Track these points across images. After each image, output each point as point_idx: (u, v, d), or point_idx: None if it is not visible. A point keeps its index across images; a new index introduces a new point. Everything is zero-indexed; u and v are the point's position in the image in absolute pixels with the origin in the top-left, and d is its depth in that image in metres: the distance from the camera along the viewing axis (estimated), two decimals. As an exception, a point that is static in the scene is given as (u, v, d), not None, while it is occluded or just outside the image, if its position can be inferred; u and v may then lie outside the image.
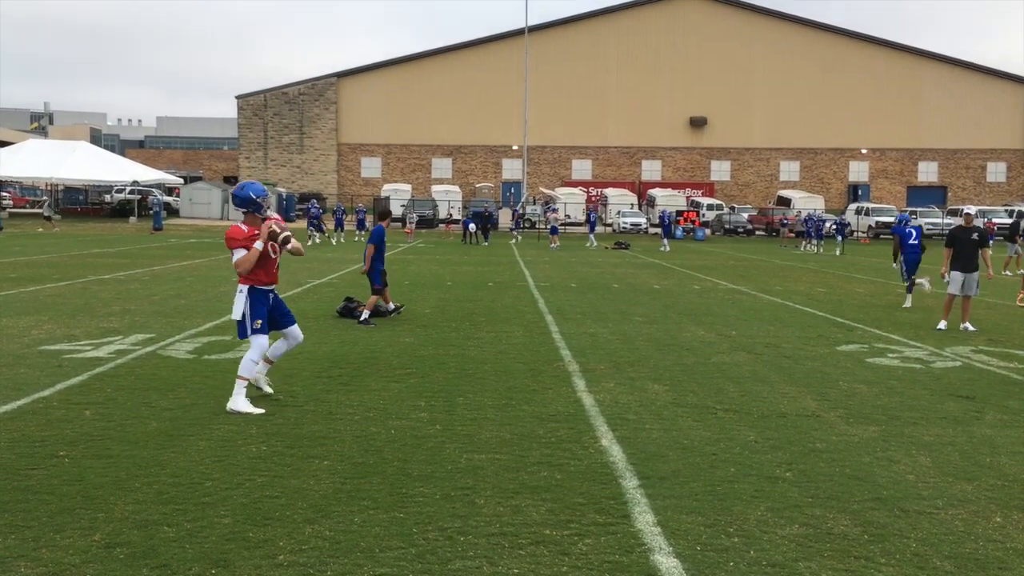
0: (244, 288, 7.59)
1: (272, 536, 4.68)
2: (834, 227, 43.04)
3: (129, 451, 6.18)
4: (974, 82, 73.20)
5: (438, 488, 5.51)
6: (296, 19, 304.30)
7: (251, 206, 7.64)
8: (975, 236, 13.60)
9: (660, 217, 43.88)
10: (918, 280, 17.94)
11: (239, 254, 7.49)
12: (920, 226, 18.66)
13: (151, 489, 5.38)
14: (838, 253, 37.75)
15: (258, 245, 7.48)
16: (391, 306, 13.73)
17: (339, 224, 41.57)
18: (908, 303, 16.96)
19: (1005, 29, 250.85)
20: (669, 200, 60.95)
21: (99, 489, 5.36)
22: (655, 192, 65.06)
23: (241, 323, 7.61)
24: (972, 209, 14.17)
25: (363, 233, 43.06)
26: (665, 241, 40.65)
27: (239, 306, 7.58)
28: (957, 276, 13.60)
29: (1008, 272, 26.05)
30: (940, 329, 13.50)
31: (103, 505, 5.08)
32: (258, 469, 5.82)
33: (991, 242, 43.23)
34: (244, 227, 7.59)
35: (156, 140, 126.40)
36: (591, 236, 42.66)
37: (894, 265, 22.97)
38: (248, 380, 7.57)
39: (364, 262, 13.35)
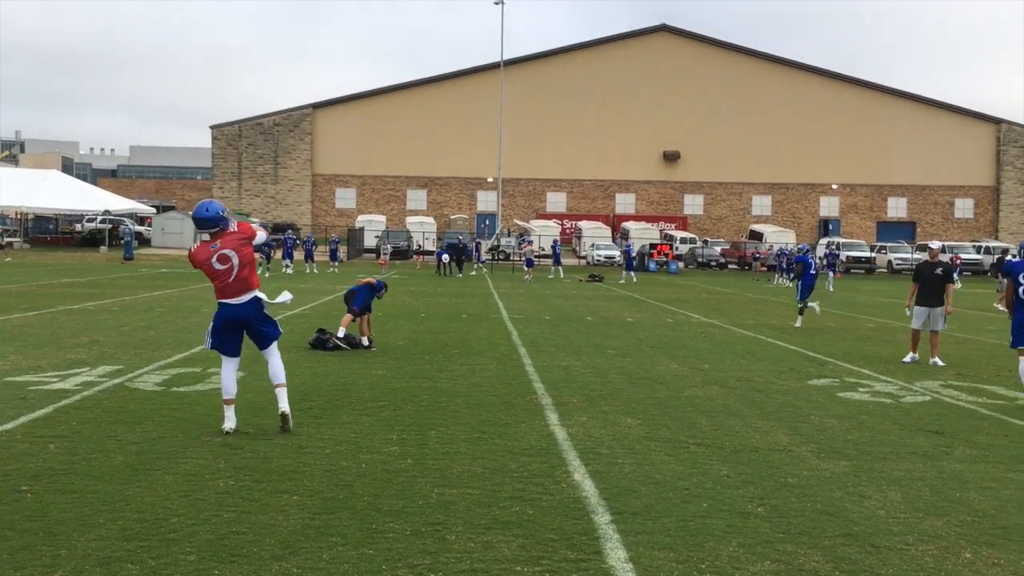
0: (259, 292, 8.01)
1: (238, 573, 4.59)
2: (824, 261, 40.27)
3: (93, 486, 6.07)
4: (943, 120, 74.64)
5: (408, 524, 5.45)
6: (272, 50, 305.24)
7: (222, 223, 7.74)
8: (939, 271, 13.76)
9: (624, 250, 44.55)
10: (810, 304, 20.32)
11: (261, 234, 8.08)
12: (814, 261, 21.78)
13: (115, 525, 5.27)
14: (830, 289, 35.63)
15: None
16: (365, 341, 13.69)
17: (309, 255, 41.53)
18: (799, 323, 19.27)
19: (975, 67, 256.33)
20: (643, 233, 61.40)
21: (62, 525, 5.25)
22: (629, 225, 65.49)
23: (275, 323, 8.08)
24: (937, 244, 14.42)
25: (336, 264, 43.16)
26: (628, 273, 41.19)
27: (266, 308, 8.03)
28: (920, 311, 13.80)
29: (1000, 306, 26.33)
30: (907, 362, 13.65)
31: (65, 542, 4.98)
32: (225, 504, 5.73)
33: (957, 276, 43.93)
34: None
35: (129, 169, 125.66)
36: (556, 268, 43.26)
37: (789, 283, 31.55)
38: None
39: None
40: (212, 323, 7.90)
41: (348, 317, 13.74)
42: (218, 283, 7.73)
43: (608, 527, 5.48)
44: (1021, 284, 10.31)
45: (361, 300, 13.84)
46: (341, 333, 13.47)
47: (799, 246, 32.36)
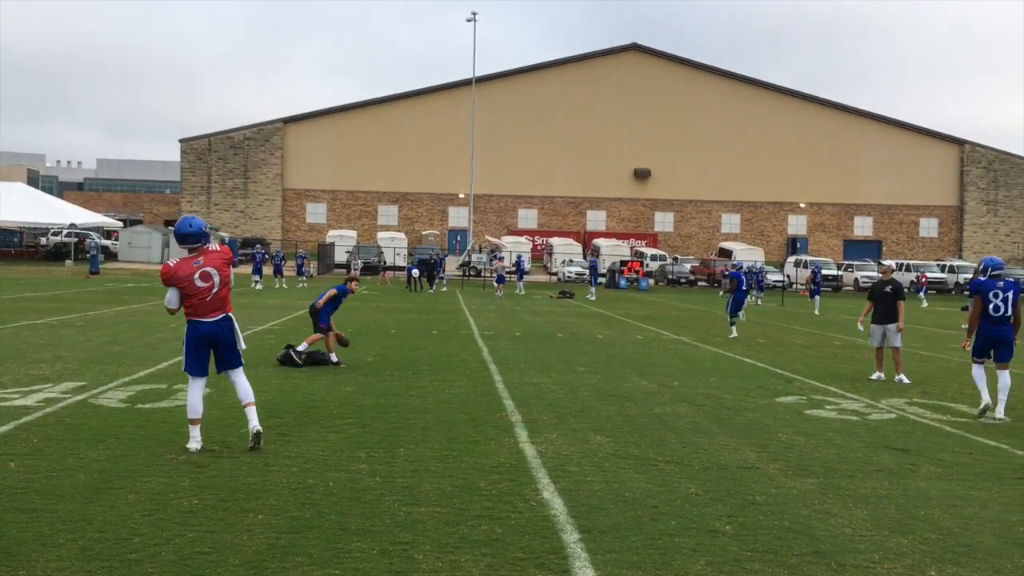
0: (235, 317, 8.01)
1: (201, 594, 4.52)
2: (812, 280, 36.94)
3: (54, 505, 5.96)
4: (909, 141, 75.83)
5: (376, 543, 5.40)
6: (243, 65, 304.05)
7: (204, 238, 7.79)
8: (888, 289, 14.06)
9: (590, 265, 44.96)
10: (741, 315, 23.24)
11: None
12: (744, 277, 24.30)
13: (76, 545, 5.18)
14: (816, 312, 33.61)
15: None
16: (333, 357, 13.59)
17: (278, 270, 41.31)
18: (734, 334, 21.25)
19: (940, 89, 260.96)
20: (614, 250, 61.66)
21: (20, 545, 5.15)
22: (600, 242, 65.75)
23: (239, 352, 7.96)
24: (889, 263, 14.95)
25: (305, 279, 42.82)
26: (592, 289, 41.36)
27: (240, 332, 7.99)
28: (876, 329, 14.09)
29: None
30: (873, 380, 13.83)
31: (24, 562, 4.88)
32: (189, 524, 5.65)
33: (923, 295, 44.28)
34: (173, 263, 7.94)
35: (96, 182, 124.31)
36: (519, 283, 43.36)
37: (721, 294, 35.75)
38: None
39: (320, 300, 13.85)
40: (185, 347, 7.83)
41: (316, 336, 13.62)
42: (195, 300, 7.67)
43: (576, 546, 5.47)
44: (991, 302, 10.59)
45: (326, 316, 13.74)
46: (302, 347, 13.41)
47: (734, 263, 35.39)
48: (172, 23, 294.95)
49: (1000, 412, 10.56)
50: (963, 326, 11.63)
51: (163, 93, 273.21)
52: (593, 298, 39.53)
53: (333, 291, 14.02)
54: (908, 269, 57.44)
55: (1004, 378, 10.69)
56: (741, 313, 23.01)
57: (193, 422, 7.72)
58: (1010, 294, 10.61)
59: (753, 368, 15.16)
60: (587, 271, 58.20)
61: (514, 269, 45.99)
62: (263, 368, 12.90)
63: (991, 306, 10.62)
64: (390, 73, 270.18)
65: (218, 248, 7.89)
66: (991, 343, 10.71)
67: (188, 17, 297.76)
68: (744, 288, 23.01)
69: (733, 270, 27.73)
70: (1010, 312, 10.59)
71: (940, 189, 76.01)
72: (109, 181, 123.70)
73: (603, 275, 57.52)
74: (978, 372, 10.86)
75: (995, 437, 9.50)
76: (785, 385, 13.11)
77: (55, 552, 5.06)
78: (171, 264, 7.72)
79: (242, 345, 7.94)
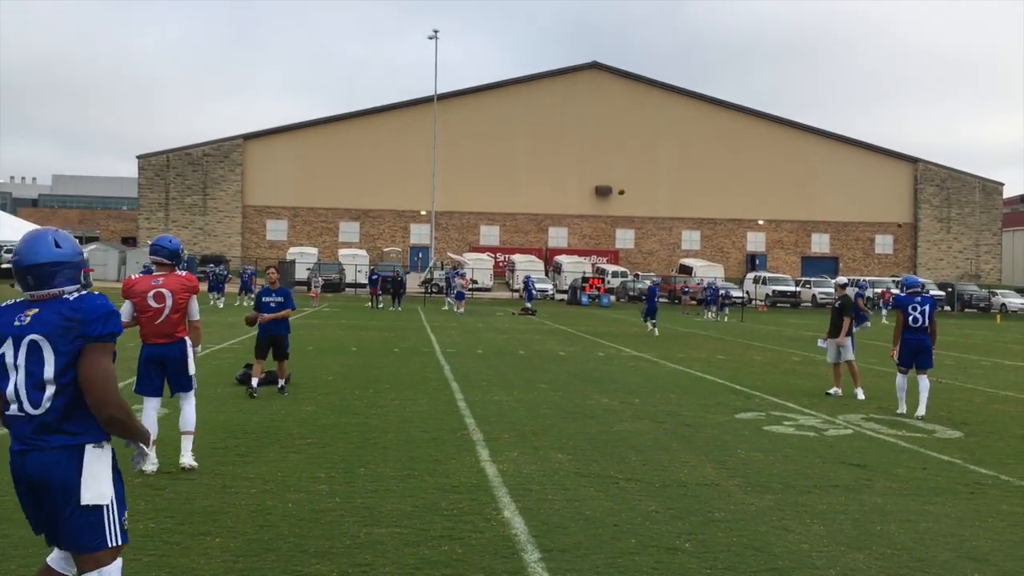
0: (188, 340, 7.85)
1: (157, 620, 4.45)
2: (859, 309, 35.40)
3: (4, 529, 5.84)
4: (863, 159, 77.22)
5: (335, 565, 5.36)
6: (202, 79, 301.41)
7: (177, 259, 7.88)
8: (837, 304, 14.56)
9: (524, 281, 45.15)
10: (653, 322, 28.86)
11: (196, 304, 7.87)
12: (657, 289, 31.03)
13: (27, 572, 5.08)
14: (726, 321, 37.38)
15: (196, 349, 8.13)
16: (255, 382, 12.20)
17: (245, 287, 40.71)
18: (656, 332, 27.57)
19: (893, 108, 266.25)
20: (575, 267, 61.87)
21: (-31, 572, 5.04)
22: (561, 259, 65.98)
23: (192, 376, 7.85)
24: (842, 280, 15.51)
25: (247, 296, 40.40)
26: (528, 304, 41.76)
27: (192, 358, 7.85)
28: (830, 343, 14.39)
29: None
30: (830, 394, 14.07)
31: (-27, 590, 4.77)
32: (144, 548, 5.56)
33: (884, 311, 44.88)
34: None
35: (51, 199, 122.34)
36: (452, 302, 40.94)
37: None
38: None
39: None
40: (137, 368, 7.86)
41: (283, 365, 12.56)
42: (144, 318, 7.67)
43: (537, 565, 5.47)
44: (910, 314, 12.21)
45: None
46: (281, 382, 12.41)
47: (653, 279, 41.60)
48: (127, 39, 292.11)
49: (922, 411, 11.92)
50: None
51: (119, 109, 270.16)
52: (528, 307, 39.80)
53: (289, 311, 12.61)
54: (845, 286, 58.26)
55: (923, 382, 12.16)
56: (654, 320, 29.01)
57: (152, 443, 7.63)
58: (927, 307, 12.22)
59: (713, 384, 15.29)
60: (550, 289, 58.53)
61: (445, 287, 45.63)
62: (222, 387, 12.76)
63: (910, 318, 12.20)
64: (351, 91, 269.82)
65: (183, 274, 7.87)
66: (914, 353, 12.19)
67: (144, 33, 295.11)
68: (655, 299, 29.47)
69: (651, 284, 34.88)
70: (927, 323, 12.19)
71: (895, 206, 77.44)
72: (64, 197, 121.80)
73: (564, 291, 57.77)
74: (901, 381, 12.41)
75: (949, 452, 9.67)
76: (744, 401, 13.23)
77: (6, 579, 4.96)
78: (132, 277, 7.83)
79: (192, 370, 7.86)
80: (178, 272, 7.86)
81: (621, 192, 74.02)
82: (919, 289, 12.54)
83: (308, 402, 11.75)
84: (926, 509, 7.21)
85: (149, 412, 7.73)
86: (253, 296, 39.88)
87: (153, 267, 8.00)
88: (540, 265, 65.64)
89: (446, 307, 41.03)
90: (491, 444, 9.24)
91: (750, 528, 6.46)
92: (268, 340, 12.31)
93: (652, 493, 7.40)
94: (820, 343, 14.98)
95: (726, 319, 40.76)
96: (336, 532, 6.02)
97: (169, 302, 7.64)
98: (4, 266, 60.03)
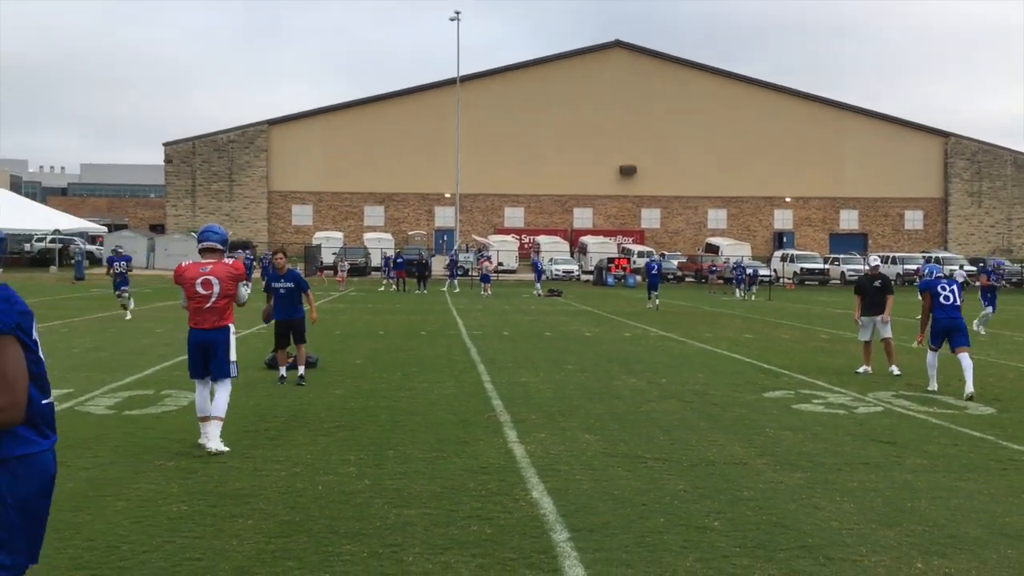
0: (232, 327, 7.94)
1: (191, 601, 4.52)
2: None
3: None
4: (893, 133, 76.18)
5: (366, 546, 5.41)
6: (227, 66, 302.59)
7: (227, 246, 8.12)
8: (877, 283, 14.25)
9: (533, 263, 45.40)
10: (654, 295, 31.13)
11: (244, 289, 7.99)
12: (656, 266, 33.21)
13: (64, 555, 5.16)
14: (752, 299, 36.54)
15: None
16: (283, 370, 12.21)
17: (266, 272, 40.98)
18: (653, 305, 30.08)
19: (923, 82, 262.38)
20: (601, 247, 61.69)
21: (8, 555, 5.12)
22: (587, 239, 65.80)
23: (228, 363, 7.90)
24: (876, 260, 15.08)
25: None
26: (538, 285, 41.73)
27: (234, 346, 7.93)
28: (867, 321, 14.19)
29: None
30: (860, 373, 13.91)
31: (12, 572, 4.86)
32: (178, 530, 5.64)
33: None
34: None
35: (80, 187, 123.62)
36: (454, 284, 43.32)
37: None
38: (223, 419, 7.94)
39: (312, 311, 12.43)
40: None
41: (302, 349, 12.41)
42: (193, 305, 7.88)
43: (566, 544, 5.49)
44: (940, 293, 12.06)
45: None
46: (301, 370, 12.09)
47: (652, 256, 44.11)
48: (152, 28, 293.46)
49: (969, 388, 11.46)
50: (918, 317, 12.82)
51: (145, 97, 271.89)
52: (487, 295, 38.99)
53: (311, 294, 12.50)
54: (894, 262, 57.72)
55: (964, 360, 11.71)
56: (655, 295, 31.27)
57: (202, 420, 7.90)
58: (955, 287, 12.20)
59: (740, 363, 15.22)
60: (576, 270, 58.40)
61: (446, 267, 46.22)
62: (251, 372, 12.87)
63: (942, 296, 12.02)
64: (374, 74, 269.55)
65: (230, 262, 8.02)
66: (945, 331, 11.94)
67: (168, 22, 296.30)
68: (655, 274, 32.02)
69: (649, 261, 36.72)
70: (959, 301, 12.06)
71: (925, 182, 76.43)
72: (93, 186, 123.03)
73: (590, 272, 57.64)
74: (931, 359, 12.28)
75: (981, 428, 9.57)
76: (773, 380, 13.17)
77: (44, 562, 5.02)
78: (183, 264, 8.01)
79: (233, 357, 7.97)
80: (225, 260, 8.00)
81: (634, 171, 73.58)
82: (942, 275, 12.75)
83: (336, 386, 11.83)
84: (958, 486, 7.14)
85: (200, 392, 7.99)
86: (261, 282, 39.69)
87: (121, 249, 8.23)
88: (565, 246, 65.53)
89: (444, 287, 41.11)
90: (518, 425, 9.27)
91: (779, 506, 6.44)
92: (285, 327, 12.09)
93: (680, 472, 7.39)
94: (859, 322, 14.43)
95: (753, 297, 40.56)
96: (366, 513, 6.07)
97: (216, 289, 7.82)
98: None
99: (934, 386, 12.21)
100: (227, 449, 7.80)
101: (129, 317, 22.13)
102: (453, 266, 46.20)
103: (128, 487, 6.64)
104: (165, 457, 7.57)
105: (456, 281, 44.39)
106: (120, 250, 26.85)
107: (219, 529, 5.68)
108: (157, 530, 5.63)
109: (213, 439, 7.81)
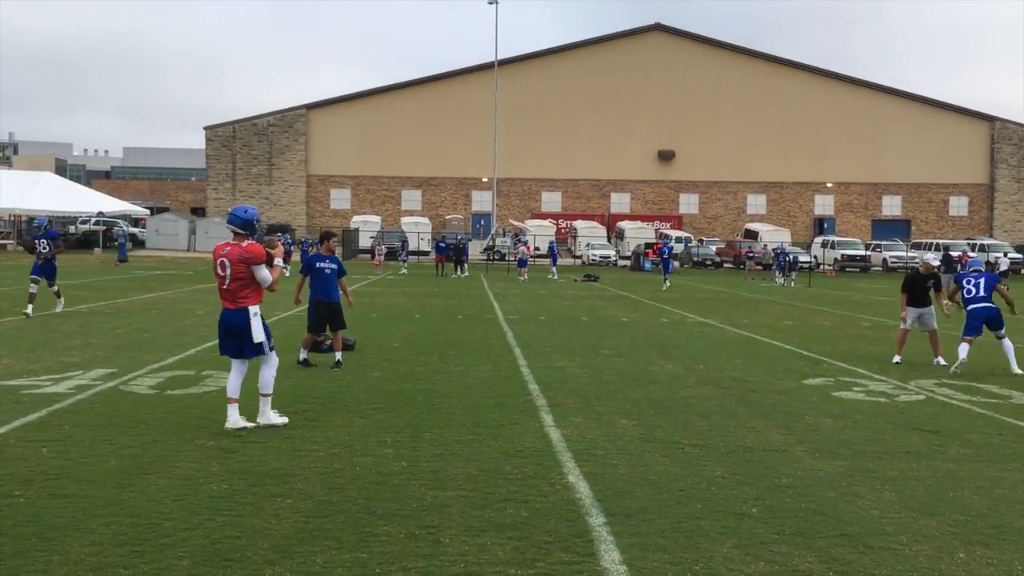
0: (258, 309, 7.92)
1: (232, 578, 4.58)
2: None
3: (86, 490, 6.05)
4: (936, 118, 74.73)
5: (403, 527, 5.44)
6: (266, 50, 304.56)
7: (250, 229, 7.99)
8: (930, 283, 14.00)
9: (549, 246, 45.04)
10: (667, 278, 35.18)
11: (264, 272, 7.89)
12: (668, 250, 37.14)
13: (108, 530, 5.26)
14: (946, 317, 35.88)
15: (279, 262, 8.11)
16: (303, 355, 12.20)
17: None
18: (666, 285, 33.68)
19: (968, 65, 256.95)
20: (638, 232, 61.36)
21: (55, 531, 5.23)
22: (624, 225, 65.48)
23: (262, 342, 7.92)
24: (934, 261, 14.56)
25: (284, 266, 40.28)
26: (553, 269, 41.77)
27: (259, 327, 7.90)
28: (912, 311, 13.95)
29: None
30: (896, 363, 13.50)
31: (59, 547, 4.96)
32: (219, 508, 5.72)
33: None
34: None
35: (123, 171, 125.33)
36: (553, 268, 42.66)
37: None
38: (271, 395, 8.09)
39: (347, 297, 12.39)
40: (265, 326, 8.15)
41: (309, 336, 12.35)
42: (218, 285, 8.08)
43: (602, 529, 5.48)
44: (964, 287, 13.21)
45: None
46: (338, 356, 12.03)
47: (664, 240, 44.35)
48: (194, 14, 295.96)
49: (1016, 368, 12.77)
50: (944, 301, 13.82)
51: (187, 82, 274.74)
52: (555, 278, 39.48)
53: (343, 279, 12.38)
54: (938, 248, 56.76)
55: (1005, 344, 13.04)
56: (668, 277, 35.12)
57: (230, 401, 8.02)
58: (982, 280, 13.11)
59: (780, 350, 15.08)
60: (613, 255, 58.13)
61: (547, 253, 45.60)
62: (290, 354, 12.98)
63: (964, 290, 13.16)
64: (411, 58, 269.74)
65: (245, 245, 7.89)
66: (978, 320, 12.88)
67: (208, 6, 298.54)
68: (667, 258, 35.66)
69: (662, 244, 39.39)
70: (983, 293, 13.00)
71: (970, 167, 74.92)
72: (136, 169, 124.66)
73: (627, 258, 57.38)
74: (963, 349, 12.84)
75: (1026, 418, 9.39)
76: (812, 367, 13.03)
77: (88, 537, 5.15)
78: (217, 245, 8.18)
79: (258, 339, 7.89)
80: (242, 243, 7.89)
81: (673, 155, 72.98)
82: (980, 268, 13.73)
83: (373, 368, 11.90)
84: (1001, 476, 7.03)
85: (233, 373, 8.08)
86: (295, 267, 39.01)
87: (46, 223, 8.17)
88: (603, 231, 65.27)
89: (455, 276, 40.05)
90: (555, 409, 9.26)
91: (819, 494, 6.38)
92: (325, 309, 11.84)
93: (718, 458, 7.35)
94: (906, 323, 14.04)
95: (793, 284, 40.15)
96: (403, 495, 6.10)
97: (228, 271, 7.87)
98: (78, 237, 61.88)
99: (964, 356, 12.70)
100: (282, 421, 8.09)
101: (59, 310, 18.03)
102: (463, 252, 42.59)
103: (169, 466, 6.74)
104: (206, 436, 7.67)
105: (523, 268, 40.63)
106: (44, 224, 18.38)
107: (258, 508, 5.74)
108: (198, 508, 5.71)
109: (263, 414, 8.09)
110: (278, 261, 8.23)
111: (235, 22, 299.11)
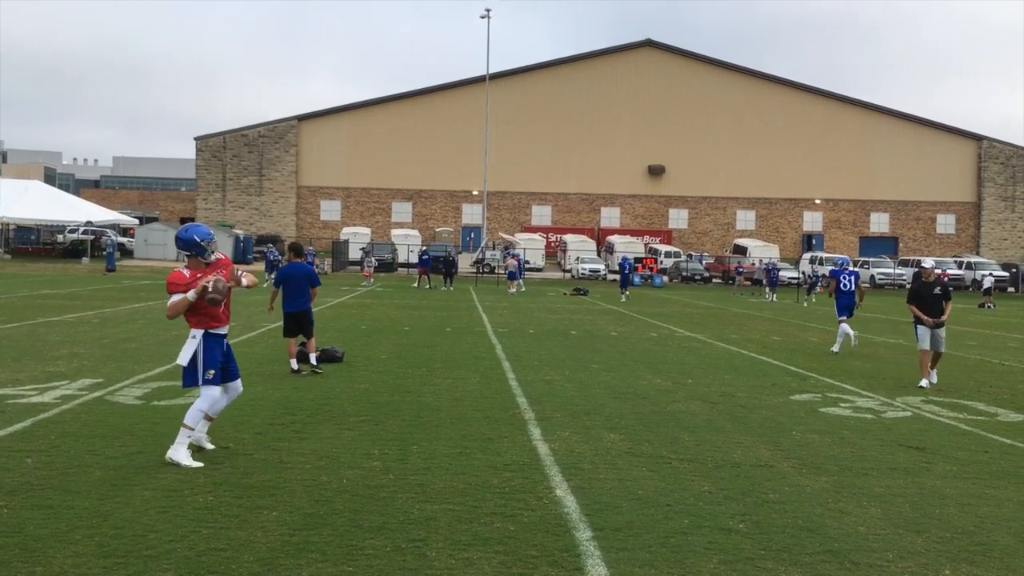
0: (198, 334, 7.29)
1: (216, 591, 4.55)
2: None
3: (70, 501, 6.01)
4: (925, 136, 75.31)
5: (389, 540, 5.42)
6: (258, 62, 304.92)
7: (194, 249, 7.34)
8: (938, 290, 13.13)
9: (516, 258, 44.09)
10: (625, 292, 37.71)
11: (173, 299, 7.18)
12: (628, 265, 40.21)
13: (92, 542, 5.22)
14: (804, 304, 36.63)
15: (190, 295, 7.10)
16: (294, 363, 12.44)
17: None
18: (625, 298, 36.00)
19: (956, 84, 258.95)
20: (628, 247, 61.51)
21: (38, 542, 5.19)
22: (614, 239, 65.64)
23: (189, 371, 7.29)
24: (931, 264, 13.65)
25: (270, 276, 40.24)
26: (517, 282, 40.45)
27: (188, 352, 7.27)
28: (924, 332, 13.05)
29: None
30: (922, 387, 12.73)
31: (42, 558, 4.92)
32: (204, 520, 5.69)
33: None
34: (187, 272, 7.32)
35: (112, 180, 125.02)
36: (517, 282, 41.09)
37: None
38: (193, 430, 7.27)
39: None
40: (205, 356, 7.58)
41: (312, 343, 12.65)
42: None
43: (589, 543, 5.47)
44: (841, 281, 18.06)
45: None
46: (313, 360, 12.47)
47: (623, 257, 44.49)
48: (185, 23, 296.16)
49: (834, 349, 17.80)
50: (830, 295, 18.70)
51: (177, 92, 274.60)
52: (514, 292, 38.66)
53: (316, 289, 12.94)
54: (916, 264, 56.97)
55: (844, 327, 17.83)
56: (627, 291, 37.71)
57: (207, 417, 7.79)
58: (852, 277, 18.14)
59: (767, 365, 15.12)
60: (602, 269, 58.18)
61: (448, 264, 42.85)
62: (277, 364, 12.96)
63: (842, 284, 18.00)
64: (403, 71, 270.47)
65: (177, 269, 7.44)
66: (847, 308, 18.03)
67: (200, 17, 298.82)
68: (627, 273, 38.85)
69: (622, 260, 40.93)
70: (854, 287, 17.97)
71: (958, 185, 75.47)
72: (125, 179, 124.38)
73: (616, 271, 57.40)
74: (843, 328, 17.91)
75: (1012, 435, 9.44)
76: (800, 383, 13.06)
77: (71, 548, 5.11)
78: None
79: (179, 361, 7.33)
80: (181, 266, 7.47)
81: (663, 170, 73.23)
82: (846, 266, 18.78)
83: (361, 380, 11.87)
84: (987, 493, 7.05)
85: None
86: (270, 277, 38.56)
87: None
88: (592, 245, 65.38)
89: (443, 289, 39.93)
90: (543, 423, 9.25)
91: (805, 510, 6.38)
92: (294, 318, 12.50)
93: (705, 473, 7.35)
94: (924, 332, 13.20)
95: (811, 301, 38.61)
96: (390, 508, 6.08)
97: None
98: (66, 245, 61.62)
99: (850, 332, 17.71)
100: (195, 464, 7.03)
101: None
102: (452, 264, 42.19)
103: (155, 477, 6.70)
104: (192, 448, 7.62)
105: (513, 280, 40.73)
106: None
107: (244, 520, 5.71)
108: (183, 520, 5.68)
109: (174, 448, 7.17)
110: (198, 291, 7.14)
111: (228, 33, 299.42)
